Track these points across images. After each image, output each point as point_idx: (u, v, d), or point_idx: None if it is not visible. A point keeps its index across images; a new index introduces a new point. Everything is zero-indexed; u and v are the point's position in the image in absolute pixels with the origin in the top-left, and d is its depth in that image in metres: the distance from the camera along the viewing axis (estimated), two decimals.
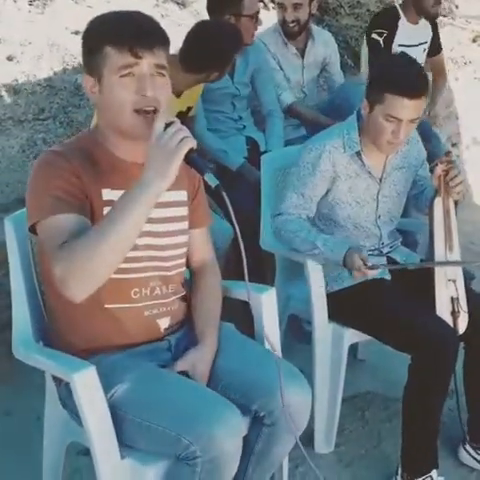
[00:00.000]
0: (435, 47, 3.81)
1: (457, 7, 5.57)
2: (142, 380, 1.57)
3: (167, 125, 1.44)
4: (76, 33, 3.60)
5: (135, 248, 1.56)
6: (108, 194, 1.58)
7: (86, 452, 1.64)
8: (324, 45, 3.48)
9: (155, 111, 1.52)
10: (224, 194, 1.45)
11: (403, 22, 3.58)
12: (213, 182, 1.44)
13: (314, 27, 3.50)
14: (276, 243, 2.43)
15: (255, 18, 3.00)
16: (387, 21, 3.55)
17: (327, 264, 2.22)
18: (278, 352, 1.86)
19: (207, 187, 1.55)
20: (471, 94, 4.92)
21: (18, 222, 1.77)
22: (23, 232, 1.77)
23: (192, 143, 1.43)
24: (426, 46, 3.73)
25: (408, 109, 2.07)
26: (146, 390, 1.56)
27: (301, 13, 3.24)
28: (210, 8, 3.05)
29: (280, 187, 2.58)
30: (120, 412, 1.56)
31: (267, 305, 1.89)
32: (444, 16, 5.41)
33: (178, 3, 4.18)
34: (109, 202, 1.57)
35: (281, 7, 3.27)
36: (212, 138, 3.00)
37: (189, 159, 1.44)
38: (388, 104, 2.07)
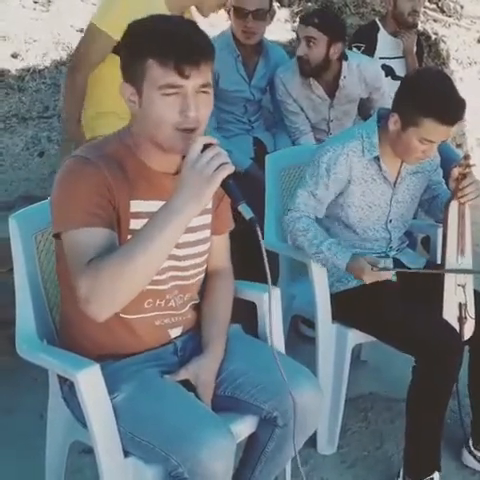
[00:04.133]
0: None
1: (462, 7, 5.56)
2: (137, 394, 1.55)
3: (205, 146, 1.38)
4: (81, 31, 3.60)
5: None
6: (136, 206, 1.54)
7: (89, 450, 1.64)
8: (361, 83, 3.10)
9: (194, 129, 1.47)
10: (258, 228, 1.38)
11: (383, 34, 3.56)
12: (248, 214, 1.38)
13: (354, 63, 3.04)
14: (280, 243, 2.43)
15: (240, 13, 2.86)
16: (365, 34, 3.53)
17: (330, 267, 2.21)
18: (282, 352, 1.86)
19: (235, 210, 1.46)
20: (476, 95, 4.90)
21: (23, 220, 1.76)
22: (28, 230, 1.77)
23: (230, 170, 1.37)
24: None
25: (446, 133, 2.06)
26: (139, 405, 1.54)
27: (313, 51, 2.90)
28: None
29: (285, 187, 2.59)
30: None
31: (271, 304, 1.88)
32: (449, 16, 5.41)
33: None
34: (136, 214, 1.53)
35: (298, 39, 3.00)
36: (219, 140, 2.98)
37: (225, 186, 1.38)
38: (426, 129, 2.02)
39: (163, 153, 1.54)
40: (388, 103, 3.13)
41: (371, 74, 3.13)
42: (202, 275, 1.75)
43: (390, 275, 2.09)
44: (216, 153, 1.37)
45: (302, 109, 3.10)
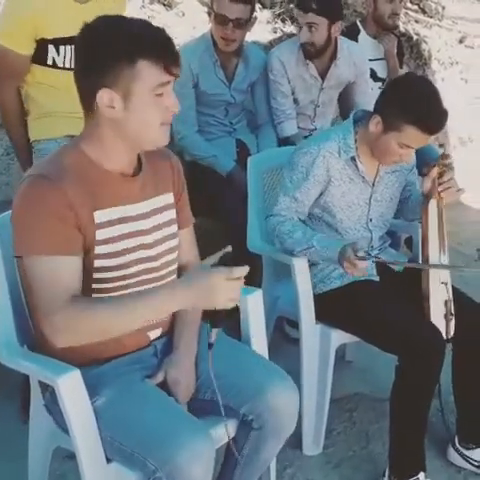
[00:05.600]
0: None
1: (444, 8, 5.59)
2: (116, 398, 1.55)
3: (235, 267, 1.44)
4: None
5: (128, 266, 1.57)
6: (100, 216, 1.53)
7: (73, 456, 1.62)
8: (351, 65, 3.21)
9: None
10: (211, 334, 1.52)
11: (363, 36, 3.58)
12: (210, 338, 1.51)
13: (344, 45, 3.17)
14: (263, 245, 2.43)
15: (222, 20, 2.86)
16: (346, 36, 3.47)
17: (317, 263, 2.22)
18: (265, 353, 1.86)
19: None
20: (458, 95, 4.95)
21: (2, 225, 1.74)
22: (7, 235, 1.74)
23: (234, 304, 1.45)
24: None
25: (425, 141, 2.10)
26: (118, 410, 1.54)
27: (316, 36, 3.00)
28: None
29: (267, 189, 2.59)
30: None
31: (253, 306, 1.89)
32: (431, 17, 5.44)
33: (164, 4, 4.17)
34: (101, 224, 1.53)
35: (298, 25, 3.11)
36: (203, 144, 2.99)
37: (218, 312, 1.47)
38: (407, 135, 2.05)
39: (124, 153, 1.56)
40: (368, 92, 3.27)
41: (359, 56, 3.25)
42: (175, 274, 1.75)
43: (366, 265, 2.06)
44: (239, 288, 1.44)
45: (293, 92, 3.16)
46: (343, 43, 3.17)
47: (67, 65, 2.33)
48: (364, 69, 3.31)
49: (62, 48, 2.31)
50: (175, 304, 1.47)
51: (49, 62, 2.32)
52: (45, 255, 1.45)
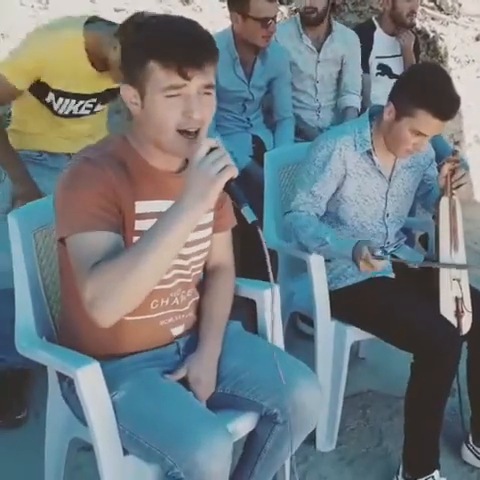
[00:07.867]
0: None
1: (460, 5, 5.56)
2: (136, 393, 1.55)
3: (210, 149, 1.39)
4: None
5: None
6: (141, 206, 1.53)
7: (88, 448, 1.64)
8: (344, 43, 3.38)
9: (197, 131, 1.47)
10: (260, 231, 1.40)
11: (379, 33, 3.60)
12: (250, 217, 1.39)
13: (338, 24, 3.45)
14: (279, 241, 2.43)
15: (264, 22, 2.88)
16: (362, 33, 3.54)
17: (334, 260, 2.23)
18: (281, 349, 1.87)
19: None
20: (474, 93, 4.92)
21: (22, 217, 1.76)
22: (27, 227, 1.77)
23: (233, 172, 1.37)
24: None
25: (438, 128, 2.09)
26: (137, 404, 1.54)
27: (318, 0, 3.21)
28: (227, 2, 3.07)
29: (283, 185, 2.59)
30: None
31: (270, 302, 1.89)
32: (447, 14, 5.41)
33: None
34: (141, 215, 1.53)
35: None
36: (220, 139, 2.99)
37: (229, 188, 1.39)
38: (419, 120, 2.05)
39: (166, 153, 1.54)
40: (357, 75, 3.44)
41: (351, 37, 3.44)
42: (200, 271, 1.76)
43: (383, 264, 2.05)
44: (221, 155, 1.37)
45: (293, 62, 3.27)
46: (336, 22, 3.41)
47: (60, 112, 2.32)
48: (355, 50, 3.43)
49: (61, 99, 2.29)
50: (189, 212, 1.36)
51: (47, 100, 2.29)
52: (86, 231, 1.43)
